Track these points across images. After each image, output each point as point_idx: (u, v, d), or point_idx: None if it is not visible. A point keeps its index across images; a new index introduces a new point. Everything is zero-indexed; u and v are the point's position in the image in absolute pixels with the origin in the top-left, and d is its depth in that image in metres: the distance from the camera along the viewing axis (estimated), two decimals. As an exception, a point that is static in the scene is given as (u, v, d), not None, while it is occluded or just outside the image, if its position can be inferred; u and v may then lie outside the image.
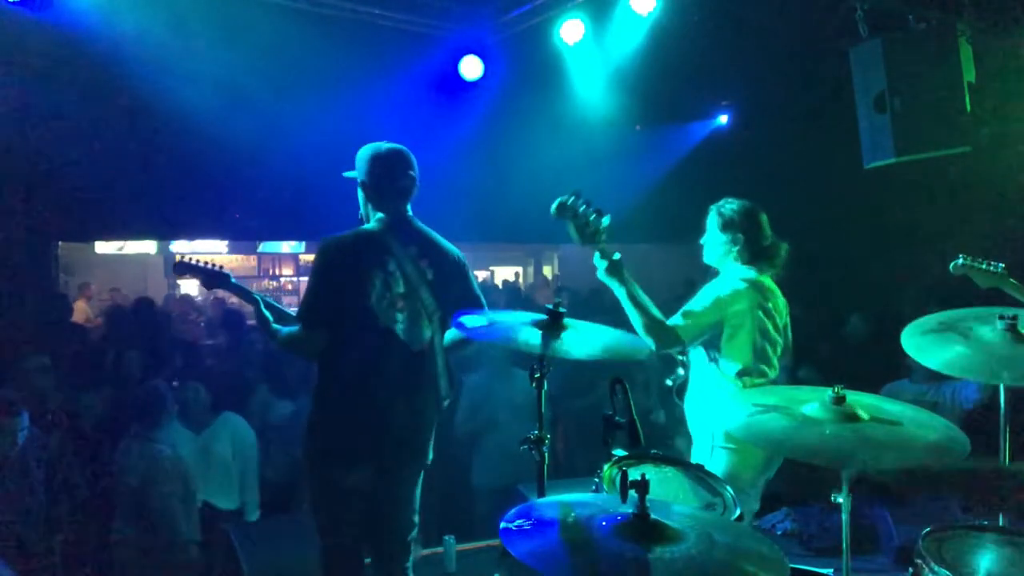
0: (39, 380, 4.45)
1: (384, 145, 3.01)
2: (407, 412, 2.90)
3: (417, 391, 2.93)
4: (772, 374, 3.15)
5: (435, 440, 3.08)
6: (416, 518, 3.04)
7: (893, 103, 4.81)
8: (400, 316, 2.87)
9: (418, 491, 3.04)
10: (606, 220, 2.82)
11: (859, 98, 5.06)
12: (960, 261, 3.46)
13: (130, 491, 4.04)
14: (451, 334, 3.06)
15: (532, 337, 2.39)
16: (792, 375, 5.03)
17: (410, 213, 3.05)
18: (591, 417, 5.54)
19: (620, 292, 2.97)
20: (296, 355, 4.06)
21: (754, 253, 3.18)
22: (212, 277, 3.36)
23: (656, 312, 2.98)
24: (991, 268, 3.43)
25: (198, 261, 3.43)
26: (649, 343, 2.93)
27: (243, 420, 4.74)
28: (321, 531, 2.93)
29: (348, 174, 3.09)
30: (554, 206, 2.76)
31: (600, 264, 2.95)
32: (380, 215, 2.99)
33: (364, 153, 3.01)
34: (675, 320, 3.01)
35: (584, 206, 2.78)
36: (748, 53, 6.67)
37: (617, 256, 2.93)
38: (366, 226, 3.00)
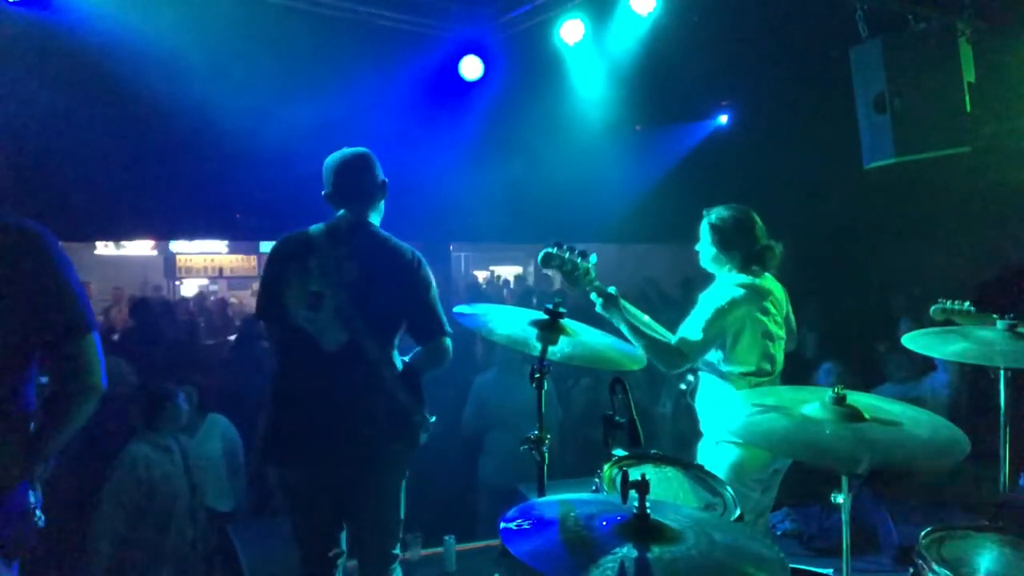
0: None
1: (342, 151, 2.99)
2: (339, 415, 2.78)
3: (347, 395, 2.79)
4: (775, 370, 3.19)
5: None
6: (398, 529, 2.96)
7: (893, 103, 4.82)
8: (310, 314, 2.80)
9: (396, 502, 2.94)
10: (592, 259, 2.92)
11: (859, 98, 5.06)
12: (938, 306, 3.61)
13: (134, 493, 4.02)
14: (418, 353, 2.96)
15: (530, 335, 2.39)
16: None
17: (368, 218, 2.97)
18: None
19: (621, 325, 3.03)
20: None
21: (748, 259, 3.21)
22: None
23: (659, 335, 3.06)
24: (961, 308, 3.56)
25: None
26: (659, 366, 3.01)
27: (228, 421, 4.75)
28: (292, 532, 2.94)
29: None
30: (540, 257, 2.89)
31: (596, 301, 3.02)
32: (336, 215, 2.98)
33: (325, 163, 3.01)
34: (678, 339, 3.06)
35: (568, 252, 2.88)
36: (748, 53, 6.67)
37: (612, 290, 3.01)
38: (312, 226, 2.96)
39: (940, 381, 4.85)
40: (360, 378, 2.80)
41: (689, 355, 3.03)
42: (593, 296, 3.01)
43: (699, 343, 3.03)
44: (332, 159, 2.98)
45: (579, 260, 2.88)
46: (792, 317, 3.40)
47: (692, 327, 3.06)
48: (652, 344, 2.99)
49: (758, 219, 3.25)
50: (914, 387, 4.88)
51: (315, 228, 2.94)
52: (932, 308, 3.60)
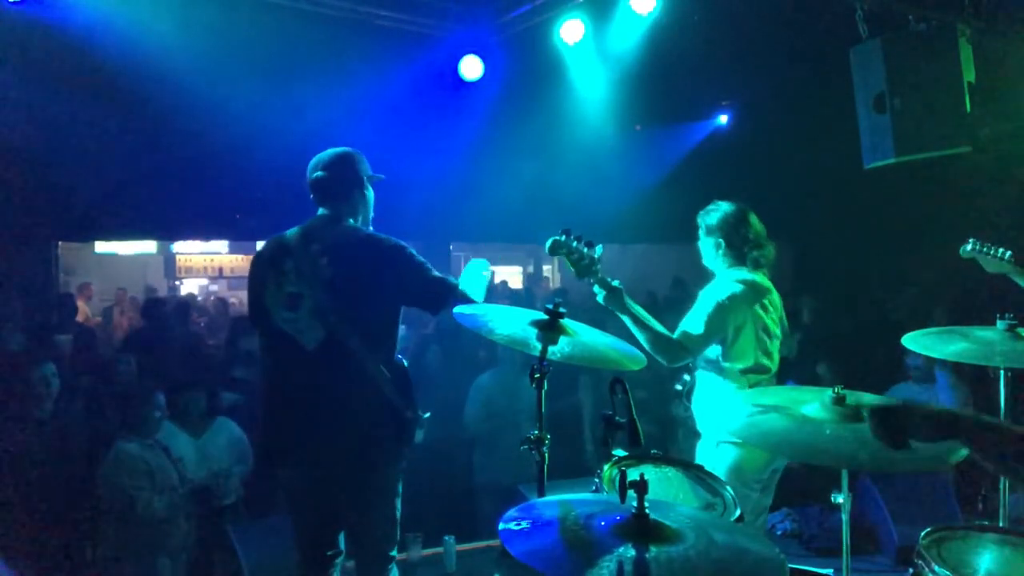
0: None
1: (325, 151, 3.04)
2: (324, 414, 2.79)
3: (331, 393, 2.78)
4: (773, 368, 3.22)
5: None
6: (393, 529, 2.93)
7: (893, 103, 4.81)
8: (289, 315, 2.82)
9: (390, 501, 2.90)
10: (599, 250, 2.91)
11: (859, 98, 5.05)
12: (969, 246, 3.54)
13: (116, 494, 4.02)
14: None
15: (530, 335, 2.39)
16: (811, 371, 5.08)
17: (344, 216, 2.95)
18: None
19: (624, 317, 3.06)
20: None
21: (739, 254, 3.27)
22: None
23: (660, 329, 3.06)
24: (999, 255, 3.50)
25: None
26: (660, 360, 3.03)
27: (235, 424, 4.75)
28: (293, 532, 3.00)
29: None
30: (547, 244, 2.85)
31: (600, 293, 3.02)
32: (314, 215, 3.02)
33: None
34: (680, 333, 3.09)
35: (575, 241, 2.86)
36: (748, 53, 6.68)
37: (617, 283, 3.01)
38: (290, 229, 2.99)
39: (940, 386, 4.81)
40: (344, 376, 2.77)
41: (691, 348, 3.07)
42: (596, 288, 3.01)
43: (701, 336, 3.07)
44: (313, 159, 3.02)
45: (585, 250, 2.88)
46: (785, 321, 3.42)
47: (694, 321, 3.10)
48: (654, 337, 3.02)
49: (754, 216, 3.31)
50: (928, 388, 4.85)
51: (291, 231, 2.98)
52: (962, 247, 3.57)
